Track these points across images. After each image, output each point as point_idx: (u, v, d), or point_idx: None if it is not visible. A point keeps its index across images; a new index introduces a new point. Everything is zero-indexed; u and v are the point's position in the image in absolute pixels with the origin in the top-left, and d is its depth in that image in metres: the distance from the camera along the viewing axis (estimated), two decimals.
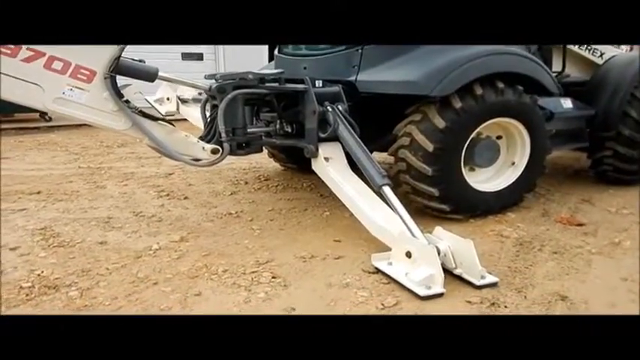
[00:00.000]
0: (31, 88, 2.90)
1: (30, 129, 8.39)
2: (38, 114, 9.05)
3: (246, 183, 4.85)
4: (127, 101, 3.14)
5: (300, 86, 3.38)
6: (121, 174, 5.24)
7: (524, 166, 3.75)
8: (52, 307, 2.49)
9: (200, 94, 4.17)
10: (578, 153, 5.13)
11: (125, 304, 2.53)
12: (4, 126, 8.30)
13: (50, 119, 9.05)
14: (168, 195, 4.45)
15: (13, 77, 2.84)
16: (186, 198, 4.36)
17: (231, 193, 4.50)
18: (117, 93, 3.07)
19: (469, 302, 2.55)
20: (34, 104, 2.99)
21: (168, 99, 5.16)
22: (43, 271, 2.88)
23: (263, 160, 5.69)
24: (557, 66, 4.29)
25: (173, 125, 3.35)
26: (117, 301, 2.56)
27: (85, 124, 8.66)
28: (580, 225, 3.61)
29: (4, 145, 6.81)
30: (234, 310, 2.47)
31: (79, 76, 2.98)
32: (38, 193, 4.49)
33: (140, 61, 3.39)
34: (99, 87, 3.02)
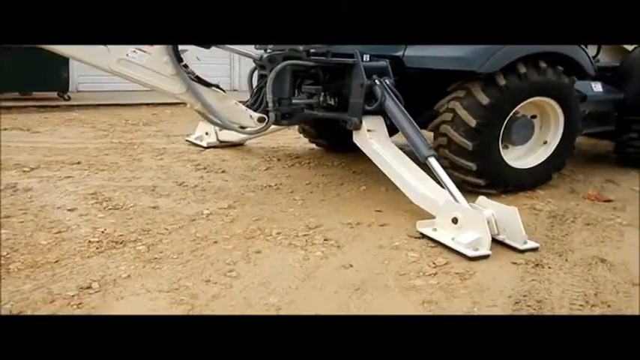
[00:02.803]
0: (99, 49, 3.05)
1: (50, 107, 8.46)
2: (57, 93, 9.15)
3: (279, 160, 5.00)
4: (186, 66, 3.28)
5: (350, 60, 3.53)
6: (154, 149, 5.37)
7: (555, 145, 3.93)
8: (123, 258, 2.65)
9: None
10: (594, 140, 5.32)
11: (192, 258, 2.69)
12: (24, 103, 8.39)
13: (69, 98, 9.14)
14: (205, 168, 4.59)
15: None
16: (223, 172, 4.51)
17: (266, 168, 4.64)
18: (177, 57, 3.22)
19: (514, 263, 2.72)
20: (99, 64, 3.14)
21: (207, 133, 5.46)
22: (105, 229, 3.03)
23: (290, 141, 5.84)
24: (591, 51, 4.43)
25: (224, 92, 3.51)
26: (183, 256, 2.72)
27: (104, 105, 8.78)
28: (608, 201, 3.79)
29: (31, 121, 6.93)
30: (297, 266, 2.64)
31: None
32: (78, 163, 4.62)
33: None
34: (160, 51, 3.17)
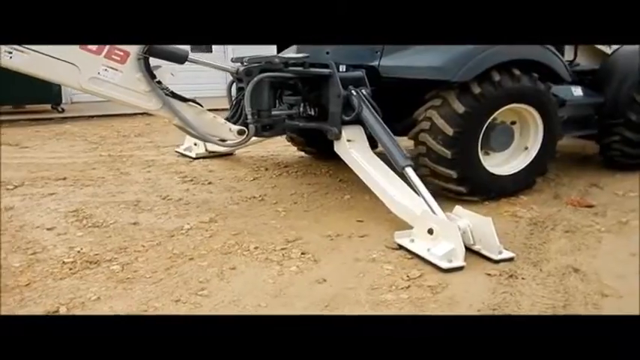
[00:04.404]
0: (68, 68, 3.05)
1: (43, 120, 8.51)
2: (50, 105, 9.18)
3: (266, 169, 5.00)
4: (159, 82, 3.29)
5: (326, 71, 3.54)
6: (143, 161, 5.39)
7: (536, 150, 3.91)
8: (95, 279, 2.65)
9: None
10: (584, 141, 5.30)
11: (165, 277, 2.69)
12: (17, 117, 8.43)
13: (63, 110, 9.17)
14: (192, 180, 4.60)
15: (50, 56, 2.99)
16: (210, 183, 4.52)
17: (253, 179, 4.65)
18: (150, 74, 3.23)
19: (488, 274, 2.71)
20: (70, 83, 3.16)
21: (195, 144, 5.50)
22: (82, 249, 3.04)
23: (280, 149, 5.85)
24: (568, 55, 4.44)
25: (202, 106, 3.52)
26: (157, 274, 2.72)
27: (97, 116, 8.82)
28: (590, 206, 3.77)
29: (21, 135, 6.96)
30: (270, 282, 2.63)
31: (113, 56, 3.14)
32: (64, 179, 4.64)
33: None
34: (132, 68, 3.18)
